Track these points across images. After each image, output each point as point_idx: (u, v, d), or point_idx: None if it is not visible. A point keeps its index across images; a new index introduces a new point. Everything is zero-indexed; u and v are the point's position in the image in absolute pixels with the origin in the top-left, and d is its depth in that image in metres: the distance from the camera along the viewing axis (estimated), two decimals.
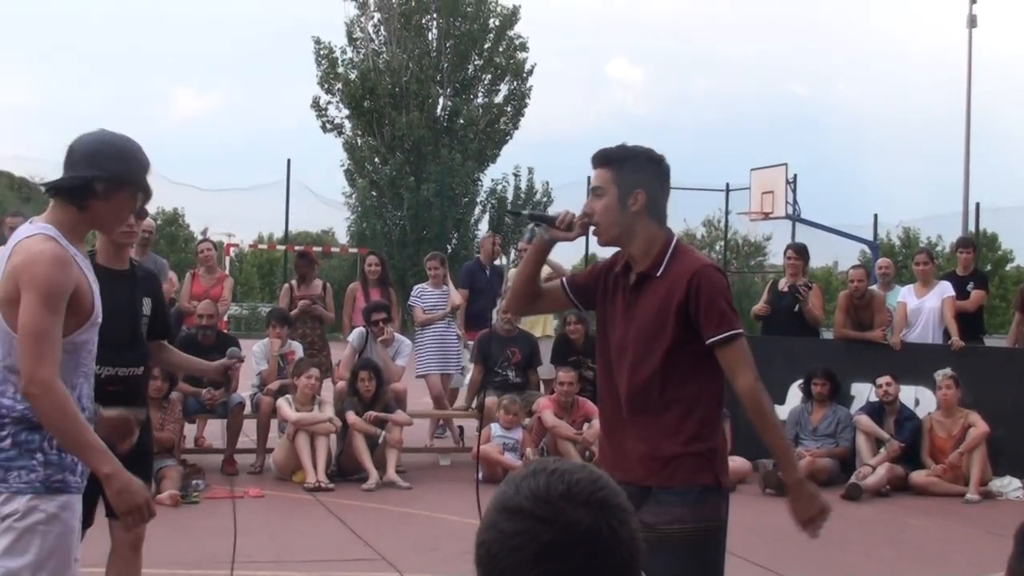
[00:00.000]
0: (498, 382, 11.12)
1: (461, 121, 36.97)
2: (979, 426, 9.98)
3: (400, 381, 10.82)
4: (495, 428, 10.26)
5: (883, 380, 10.34)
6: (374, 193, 35.89)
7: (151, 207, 4.71)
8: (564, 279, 3.89)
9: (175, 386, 9.61)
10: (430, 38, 38.14)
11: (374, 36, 38.08)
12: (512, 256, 14.67)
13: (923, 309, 11.25)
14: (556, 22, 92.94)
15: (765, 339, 11.51)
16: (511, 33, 38.66)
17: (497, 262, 13.61)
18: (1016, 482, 10.03)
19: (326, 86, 37.50)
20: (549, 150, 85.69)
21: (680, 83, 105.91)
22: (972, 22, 31.41)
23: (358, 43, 37.92)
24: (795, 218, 25.34)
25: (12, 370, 3.30)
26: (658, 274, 3.52)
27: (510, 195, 36.55)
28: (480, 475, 9.92)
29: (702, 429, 3.46)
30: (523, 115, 38.73)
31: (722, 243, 40.37)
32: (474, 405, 11.30)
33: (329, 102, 37.71)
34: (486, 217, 36.71)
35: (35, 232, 3.37)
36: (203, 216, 38.99)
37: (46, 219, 3.44)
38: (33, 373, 3.20)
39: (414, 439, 11.24)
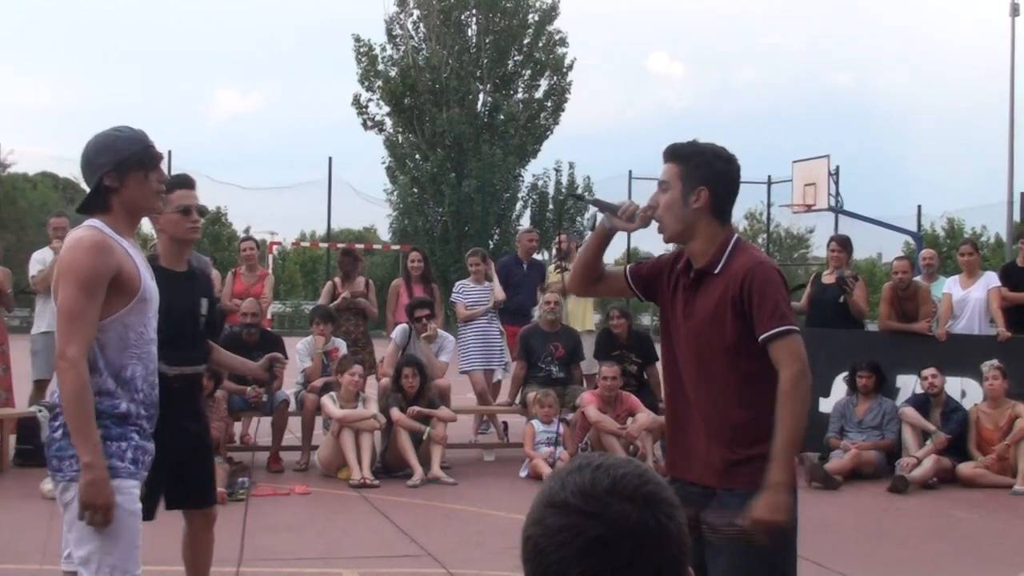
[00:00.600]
0: (541, 377, 11.10)
1: (501, 117, 36.92)
2: None
3: (443, 377, 10.84)
4: (536, 424, 10.25)
5: (928, 372, 10.24)
6: (415, 190, 35.96)
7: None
8: (628, 267, 3.87)
9: (220, 384, 9.68)
10: (469, 34, 38.17)
11: (413, 33, 38.15)
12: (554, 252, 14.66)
13: (968, 300, 11.14)
14: (595, 17, 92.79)
15: (809, 331, 11.38)
16: (551, 28, 38.59)
17: (536, 256, 13.60)
18: None
19: (366, 83, 37.58)
20: (590, 145, 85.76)
21: (722, 76, 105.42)
22: (1015, 11, 31.07)
23: (398, 40, 38.01)
24: (838, 210, 25.13)
25: None
26: (716, 271, 3.51)
27: (551, 190, 36.51)
28: (526, 473, 9.99)
29: (765, 431, 3.38)
30: (563, 110, 38.66)
31: (764, 236, 40.23)
32: (517, 400, 11.31)
33: (370, 99, 37.81)
34: (528, 212, 36.77)
35: (82, 225, 3.62)
36: (246, 215, 39.25)
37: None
38: (63, 350, 3.45)
39: (458, 435, 11.25)
